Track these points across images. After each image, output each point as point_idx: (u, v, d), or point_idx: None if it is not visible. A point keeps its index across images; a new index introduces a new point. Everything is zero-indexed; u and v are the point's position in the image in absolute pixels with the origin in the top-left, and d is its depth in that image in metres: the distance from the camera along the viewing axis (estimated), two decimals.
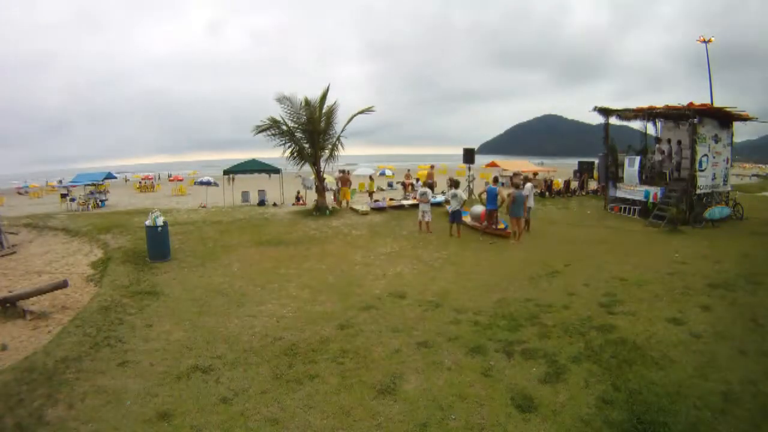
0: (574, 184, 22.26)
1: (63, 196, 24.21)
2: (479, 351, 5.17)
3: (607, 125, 16.52)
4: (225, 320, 6.36)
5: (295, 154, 14.98)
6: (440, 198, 16.54)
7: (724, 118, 14.24)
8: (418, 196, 13.81)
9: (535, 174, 24.43)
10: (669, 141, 14.98)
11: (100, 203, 22.71)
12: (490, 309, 6.56)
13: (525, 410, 4.07)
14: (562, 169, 35.61)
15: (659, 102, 16.91)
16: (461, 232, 12.02)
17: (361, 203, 17.22)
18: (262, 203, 19.24)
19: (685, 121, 13.88)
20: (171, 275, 8.65)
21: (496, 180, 12.89)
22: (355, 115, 15.33)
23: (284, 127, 14.67)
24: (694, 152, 13.35)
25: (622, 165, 15.91)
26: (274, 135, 14.71)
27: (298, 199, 20.02)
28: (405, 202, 16.64)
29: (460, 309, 6.59)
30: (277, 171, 20.14)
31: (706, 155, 13.65)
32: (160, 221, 9.79)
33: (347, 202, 17.26)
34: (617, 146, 16.82)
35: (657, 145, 15.62)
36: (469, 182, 20.03)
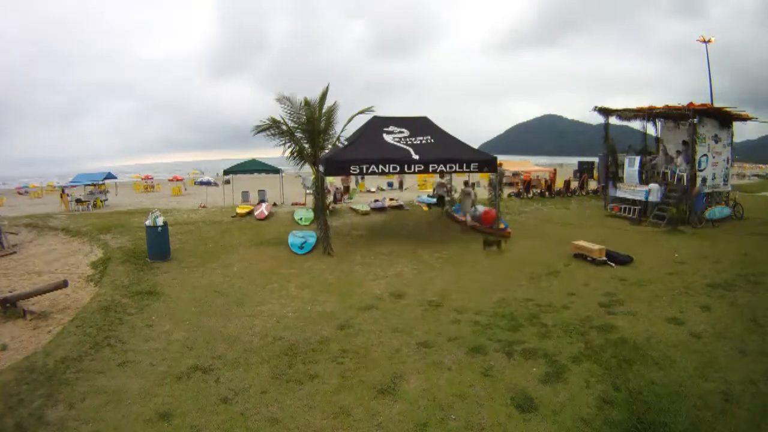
0: (574, 184, 22.24)
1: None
2: (479, 351, 5.18)
3: (607, 125, 16.51)
4: (225, 320, 6.36)
5: (295, 154, 14.97)
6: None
7: (724, 118, 14.24)
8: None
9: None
10: (665, 149, 15.10)
11: (103, 202, 22.62)
12: (490, 309, 6.57)
13: (525, 410, 4.07)
14: (561, 169, 35.52)
15: None
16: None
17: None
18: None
19: (686, 121, 13.88)
20: (171, 275, 8.65)
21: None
22: (355, 115, 15.32)
23: (284, 127, 14.66)
24: (693, 152, 13.37)
25: (622, 165, 15.90)
26: (273, 135, 14.70)
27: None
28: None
29: (460, 309, 6.60)
30: (277, 171, 20.12)
31: (705, 155, 13.66)
32: (160, 221, 9.79)
33: None
34: (617, 146, 16.81)
35: (661, 147, 15.65)
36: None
